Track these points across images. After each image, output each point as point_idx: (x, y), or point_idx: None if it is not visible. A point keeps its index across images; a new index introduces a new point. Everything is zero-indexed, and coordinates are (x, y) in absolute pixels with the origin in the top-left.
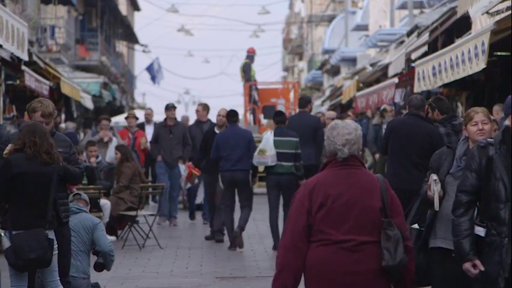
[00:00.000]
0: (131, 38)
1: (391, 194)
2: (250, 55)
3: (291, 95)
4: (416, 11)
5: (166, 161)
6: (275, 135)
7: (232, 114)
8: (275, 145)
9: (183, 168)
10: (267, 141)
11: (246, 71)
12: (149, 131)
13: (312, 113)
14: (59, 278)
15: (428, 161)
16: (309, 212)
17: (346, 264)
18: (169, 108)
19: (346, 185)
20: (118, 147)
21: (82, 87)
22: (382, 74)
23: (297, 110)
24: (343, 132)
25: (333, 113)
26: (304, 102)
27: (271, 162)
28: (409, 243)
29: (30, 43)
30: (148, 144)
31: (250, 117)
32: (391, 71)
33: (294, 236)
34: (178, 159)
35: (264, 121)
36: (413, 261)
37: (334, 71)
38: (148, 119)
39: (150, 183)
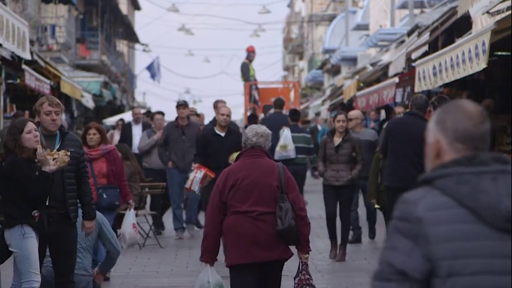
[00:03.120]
0: (132, 37)
1: (287, 176)
2: (249, 54)
3: (292, 94)
4: (416, 11)
5: (178, 166)
6: (292, 131)
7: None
8: (292, 140)
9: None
10: (286, 137)
11: (244, 71)
12: (137, 131)
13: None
14: (26, 281)
15: None
16: (222, 193)
17: (251, 229)
18: (179, 106)
19: (251, 169)
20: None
21: (82, 87)
22: (382, 73)
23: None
24: (254, 128)
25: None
26: (280, 103)
27: (292, 155)
28: (301, 213)
29: (31, 42)
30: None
31: None
32: (391, 71)
33: (212, 212)
34: (193, 163)
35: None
36: (308, 226)
37: (335, 71)
38: (136, 118)
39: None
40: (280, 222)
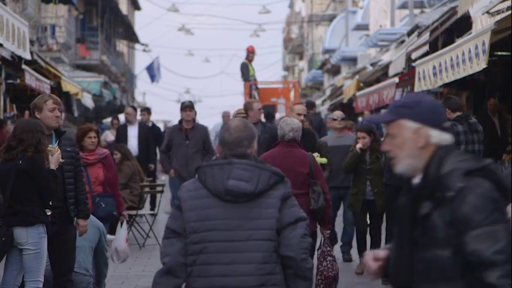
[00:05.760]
0: (132, 37)
1: (316, 165)
2: (248, 54)
3: (292, 94)
4: (416, 11)
5: (181, 175)
6: None
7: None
8: None
9: None
10: None
11: (243, 71)
12: (132, 133)
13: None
14: (34, 280)
15: None
16: None
17: None
18: (185, 107)
19: (286, 157)
20: (117, 148)
21: (82, 87)
22: (382, 73)
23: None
24: (290, 123)
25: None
26: (310, 105)
27: None
28: (326, 196)
29: (31, 42)
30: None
31: None
32: (391, 71)
33: None
34: None
35: (263, 120)
36: (331, 207)
37: (335, 71)
38: (129, 119)
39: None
40: (313, 202)
